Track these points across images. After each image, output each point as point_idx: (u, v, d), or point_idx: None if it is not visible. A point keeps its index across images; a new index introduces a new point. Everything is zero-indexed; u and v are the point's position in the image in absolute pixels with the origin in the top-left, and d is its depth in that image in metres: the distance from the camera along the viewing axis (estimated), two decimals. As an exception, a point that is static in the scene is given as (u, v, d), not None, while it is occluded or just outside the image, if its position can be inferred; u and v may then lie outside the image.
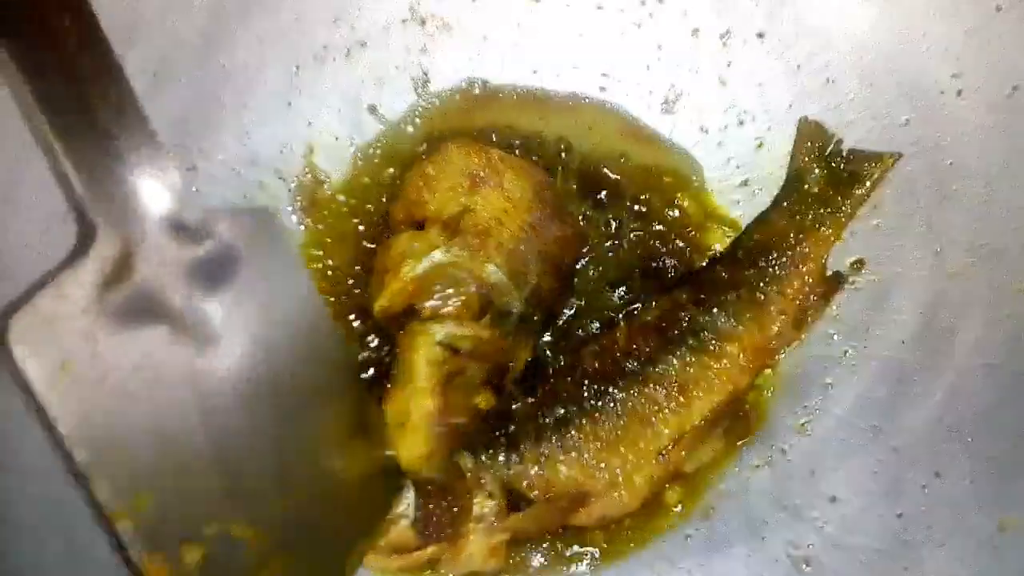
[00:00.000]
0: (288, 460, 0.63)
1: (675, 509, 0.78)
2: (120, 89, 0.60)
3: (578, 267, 0.81)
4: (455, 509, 0.72)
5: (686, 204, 0.82)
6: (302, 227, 0.80)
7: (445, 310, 0.73)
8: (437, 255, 0.73)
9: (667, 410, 0.74)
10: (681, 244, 0.81)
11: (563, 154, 0.82)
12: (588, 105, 0.83)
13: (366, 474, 0.69)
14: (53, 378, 0.55)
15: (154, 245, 0.60)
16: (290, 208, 0.80)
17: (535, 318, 0.77)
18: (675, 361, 0.74)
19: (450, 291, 0.73)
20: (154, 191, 0.61)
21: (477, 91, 0.82)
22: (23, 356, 0.54)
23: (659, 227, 0.81)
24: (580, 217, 0.81)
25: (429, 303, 0.73)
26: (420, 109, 0.82)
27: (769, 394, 0.80)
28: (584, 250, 0.81)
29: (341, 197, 0.81)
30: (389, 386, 0.73)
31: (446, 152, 0.77)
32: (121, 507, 0.57)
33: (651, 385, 0.74)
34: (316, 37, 0.79)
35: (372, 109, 0.81)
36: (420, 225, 0.75)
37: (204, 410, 0.60)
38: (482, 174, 0.76)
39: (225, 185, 0.79)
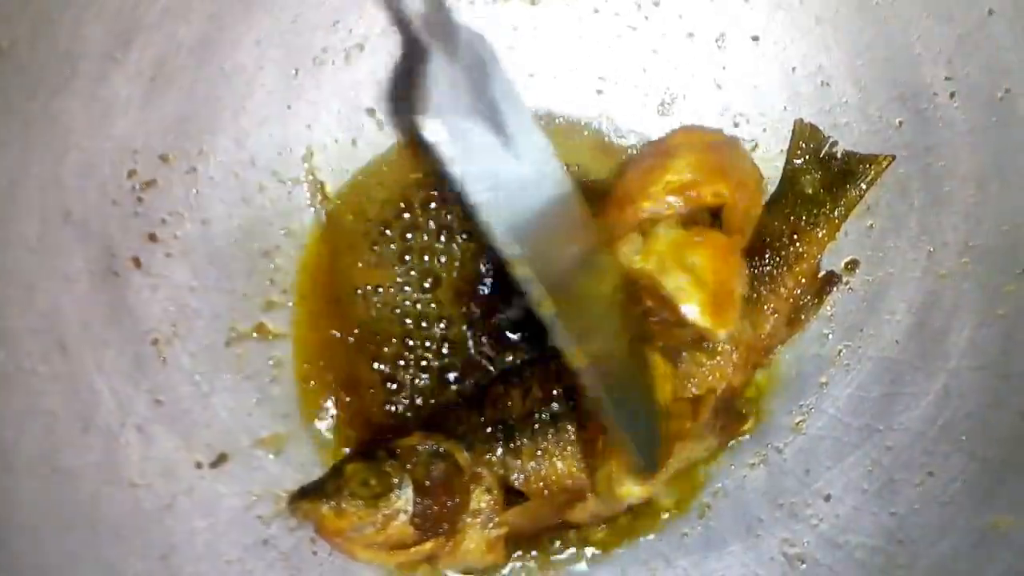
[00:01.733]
0: None
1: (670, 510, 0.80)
2: None
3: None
4: (452, 504, 0.73)
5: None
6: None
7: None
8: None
9: (661, 407, 0.74)
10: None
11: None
12: (559, 126, 0.83)
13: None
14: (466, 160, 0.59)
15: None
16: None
17: None
18: (669, 358, 0.75)
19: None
20: None
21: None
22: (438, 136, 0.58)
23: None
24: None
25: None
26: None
27: (764, 393, 0.81)
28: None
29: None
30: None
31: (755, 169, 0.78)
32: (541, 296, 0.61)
33: (646, 382, 0.74)
34: (315, 40, 0.80)
35: (371, 112, 0.82)
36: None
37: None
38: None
39: (224, 187, 0.79)
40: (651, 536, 0.79)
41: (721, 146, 0.77)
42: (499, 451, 0.73)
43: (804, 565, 0.77)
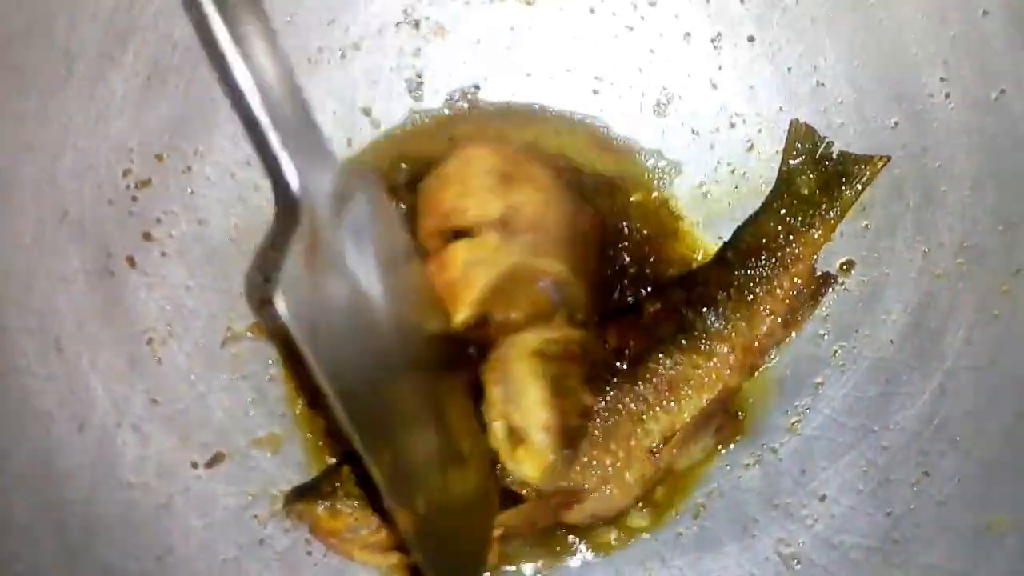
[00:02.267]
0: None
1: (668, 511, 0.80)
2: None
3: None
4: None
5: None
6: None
7: (527, 315, 0.72)
8: (506, 258, 0.72)
9: (657, 408, 0.74)
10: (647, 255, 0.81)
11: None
12: (553, 117, 0.83)
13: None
14: (311, 333, 0.55)
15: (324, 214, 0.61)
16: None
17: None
18: (665, 360, 0.75)
19: (524, 294, 0.72)
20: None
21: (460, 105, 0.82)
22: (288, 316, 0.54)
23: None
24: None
25: (512, 313, 0.72)
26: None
27: (759, 395, 0.81)
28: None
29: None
30: (487, 402, 0.71)
31: (466, 155, 0.76)
32: (369, 458, 0.58)
33: (641, 383, 0.74)
34: (310, 39, 0.80)
35: (366, 111, 0.82)
36: (461, 233, 0.74)
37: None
38: (510, 170, 0.74)
39: (220, 187, 0.79)
40: (646, 536, 0.79)
41: (445, 176, 0.77)
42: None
43: (799, 565, 0.77)
